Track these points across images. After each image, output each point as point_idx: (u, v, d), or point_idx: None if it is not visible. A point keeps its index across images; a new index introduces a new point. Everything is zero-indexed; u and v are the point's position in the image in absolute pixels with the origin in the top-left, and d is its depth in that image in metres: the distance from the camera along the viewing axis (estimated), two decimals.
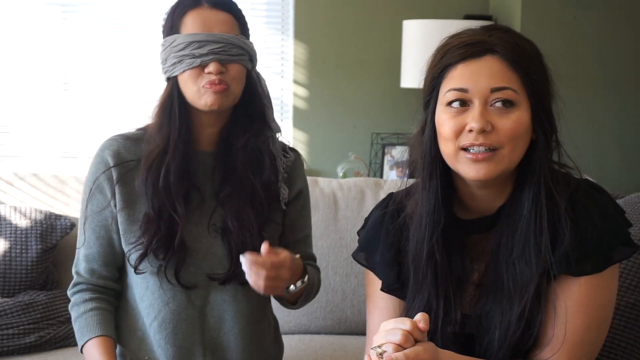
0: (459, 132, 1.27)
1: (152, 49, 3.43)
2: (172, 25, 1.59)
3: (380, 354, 1.15)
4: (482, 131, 1.25)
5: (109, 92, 3.61)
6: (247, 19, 1.66)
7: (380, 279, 1.42)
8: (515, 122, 1.26)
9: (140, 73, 3.58)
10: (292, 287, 1.57)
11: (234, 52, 1.57)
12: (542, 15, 3.26)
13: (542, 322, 1.29)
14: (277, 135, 1.71)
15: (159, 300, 1.63)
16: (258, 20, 3.62)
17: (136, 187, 1.62)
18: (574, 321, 1.28)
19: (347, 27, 3.60)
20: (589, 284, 1.28)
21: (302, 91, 3.63)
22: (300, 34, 3.59)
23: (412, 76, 3.14)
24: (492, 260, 1.33)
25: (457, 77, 1.28)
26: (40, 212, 2.41)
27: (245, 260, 1.46)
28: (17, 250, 2.33)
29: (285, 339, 2.00)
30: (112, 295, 1.69)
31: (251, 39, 1.66)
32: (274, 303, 1.77)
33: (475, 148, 1.26)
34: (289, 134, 3.64)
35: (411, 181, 1.42)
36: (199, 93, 1.56)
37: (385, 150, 3.55)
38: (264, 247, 1.47)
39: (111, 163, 1.63)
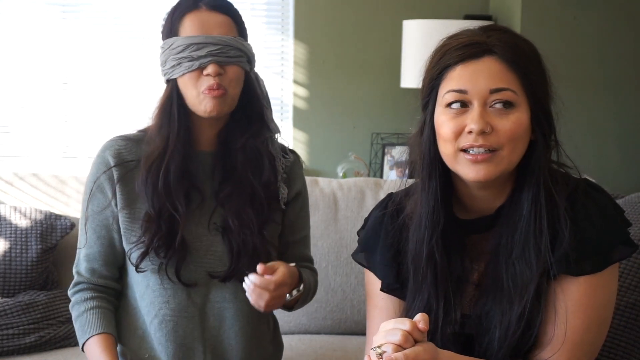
0: (458, 134, 1.27)
1: (152, 49, 3.43)
2: (170, 28, 1.61)
3: (380, 354, 1.15)
4: (482, 132, 1.25)
5: (109, 92, 3.61)
6: (247, 18, 1.67)
7: (379, 279, 1.42)
8: (514, 123, 1.26)
9: (140, 73, 3.58)
10: (287, 296, 1.59)
11: (232, 53, 1.58)
12: (542, 15, 3.26)
13: (542, 322, 1.29)
14: (277, 136, 1.72)
15: (160, 298, 1.64)
16: (258, 20, 3.62)
17: (136, 187, 1.63)
18: (574, 321, 1.27)
19: (347, 27, 3.60)
20: (588, 284, 1.28)
21: (302, 91, 3.63)
22: (300, 34, 3.59)
23: (412, 76, 3.14)
24: (491, 260, 1.33)
25: (456, 79, 1.28)
26: (40, 212, 2.41)
27: (249, 282, 1.50)
28: (17, 250, 2.33)
29: (285, 339, 2.00)
30: (112, 295, 1.70)
31: (251, 39, 1.67)
32: None
33: (475, 149, 1.26)
34: (289, 134, 3.64)
35: (411, 181, 1.42)
36: (199, 99, 1.58)
37: (385, 150, 3.55)
38: (260, 267, 1.50)
39: (112, 163, 1.65)
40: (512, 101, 1.26)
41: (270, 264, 1.53)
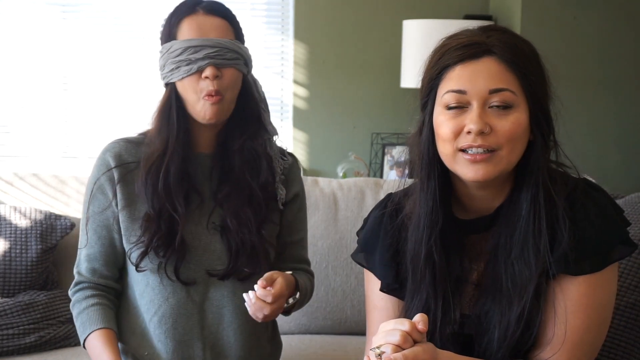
0: (457, 134, 1.27)
1: (152, 49, 3.43)
2: (169, 33, 1.63)
3: (379, 354, 1.15)
4: (481, 133, 1.25)
5: (108, 92, 3.61)
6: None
7: (379, 279, 1.42)
8: (513, 123, 1.26)
9: (140, 73, 3.58)
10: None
11: (228, 56, 1.59)
12: (542, 15, 3.26)
13: (541, 322, 1.29)
14: (275, 138, 1.75)
15: (159, 296, 1.65)
16: (258, 20, 3.62)
17: (136, 188, 1.65)
18: (574, 321, 1.27)
19: (347, 27, 3.60)
20: (588, 284, 1.28)
21: (302, 91, 3.63)
22: (300, 34, 3.59)
23: (412, 76, 3.14)
24: (490, 260, 1.33)
25: (455, 79, 1.28)
26: (40, 212, 2.41)
27: (249, 298, 1.52)
28: (17, 250, 2.33)
29: (285, 339, 2.00)
30: (112, 294, 1.71)
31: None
32: None
33: (474, 149, 1.26)
34: (289, 134, 3.65)
35: (410, 181, 1.42)
36: (198, 104, 1.60)
37: (385, 150, 3.55)
38: (260, 282, 1.52)
39: (112, 164, 1.67)
40: (511, 102, 1.26)
41: (268, 274, 1.55)
